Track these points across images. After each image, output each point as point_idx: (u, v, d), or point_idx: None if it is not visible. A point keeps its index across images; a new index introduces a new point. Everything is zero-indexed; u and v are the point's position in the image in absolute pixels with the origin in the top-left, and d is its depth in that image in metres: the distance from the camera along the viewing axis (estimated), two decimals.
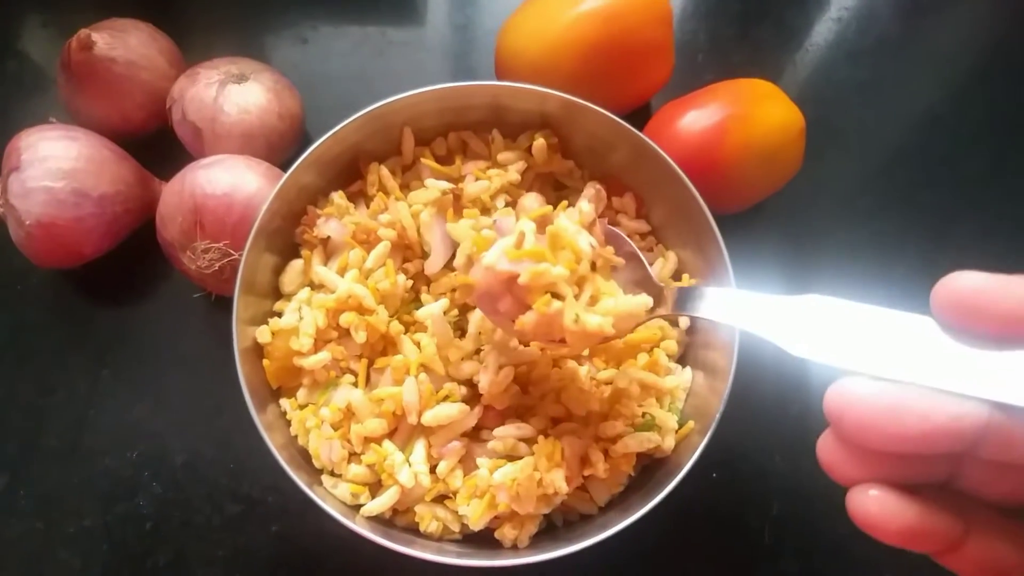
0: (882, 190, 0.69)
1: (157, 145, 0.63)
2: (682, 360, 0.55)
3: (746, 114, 0.58)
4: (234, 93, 0.59)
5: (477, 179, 0.53)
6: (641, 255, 0.49)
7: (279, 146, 0.61)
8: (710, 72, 0.66)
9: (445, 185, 0.52)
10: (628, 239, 0.50)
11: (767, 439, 0.60)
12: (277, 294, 0.54)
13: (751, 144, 0.57)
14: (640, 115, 0.64)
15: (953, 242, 0.67)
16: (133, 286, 0.63)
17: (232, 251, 0.54)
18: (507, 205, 0.53)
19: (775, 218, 0.66)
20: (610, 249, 0.45)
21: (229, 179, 0.54)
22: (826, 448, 0.31)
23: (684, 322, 0.54)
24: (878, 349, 0.31)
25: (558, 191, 0.59)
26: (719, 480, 0.58)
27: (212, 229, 0.54)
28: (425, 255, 0.53)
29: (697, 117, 0.59)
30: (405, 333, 0.51)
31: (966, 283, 0.30)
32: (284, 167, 0.58)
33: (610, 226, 0.52)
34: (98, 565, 0.57)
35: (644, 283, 0.48)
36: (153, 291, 0.63)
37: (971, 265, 0.63)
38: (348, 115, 0.51)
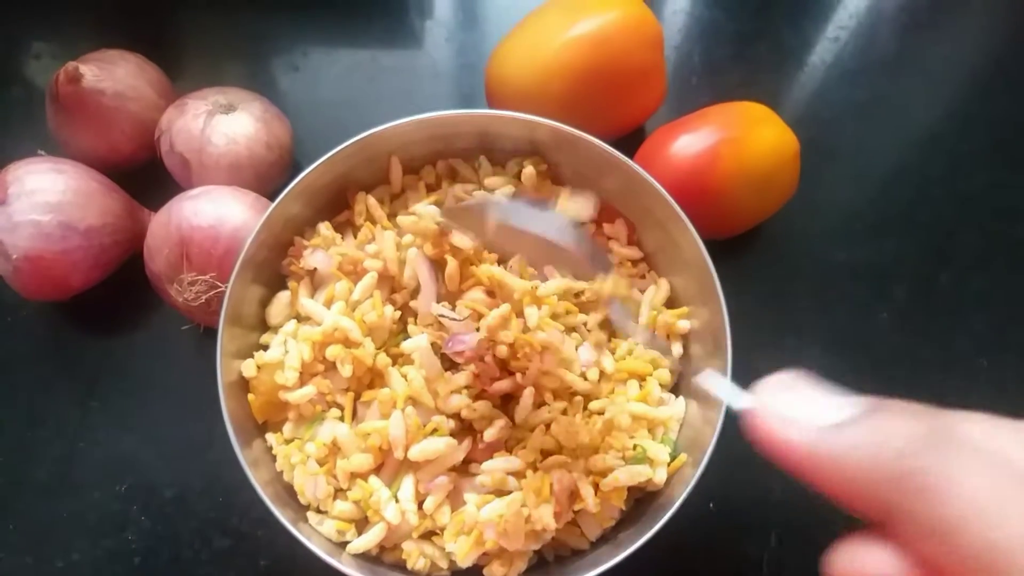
0: (880, 210, 0.68)
1: (147, 176, 0.63)
2: (675, 390, 0.54)
3: (739, 138, 0.57)
4: (222, 123, 0.59)
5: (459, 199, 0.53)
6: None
7: (268, 176, 0.60)
8: (705, 94, 0.65)
9: (435, 211, 0.51)
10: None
11: (766, 468, 0.58)
12: (264, 326, 0.53)
13: (744, 169, 0.57)
14: (634, 139, 0.64)
15: (953, 262, 0.66)
16: (122, 318, 0.62)
17: (219, 283, 0.53)
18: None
19: (771, 241, 0.65)
20: None
21: (215, 211, 0.54)
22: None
23: (677, 350, 0.53)
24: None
25: None
26: (717, 511, 0.57)
27: (198, 261, 0.53)
28: (409, 287, 0.52)
29: (689, 142, 0.58)
30: (393, 365, 0.50)
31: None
32: (273, 197, 0.57)
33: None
34: None
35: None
36: (143, 323, 0.62)
37: (972, 284, 0.63)
38: (339, 143, 0.51)
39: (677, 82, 0.69)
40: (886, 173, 0.69)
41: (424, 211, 0.51)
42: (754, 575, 0.57)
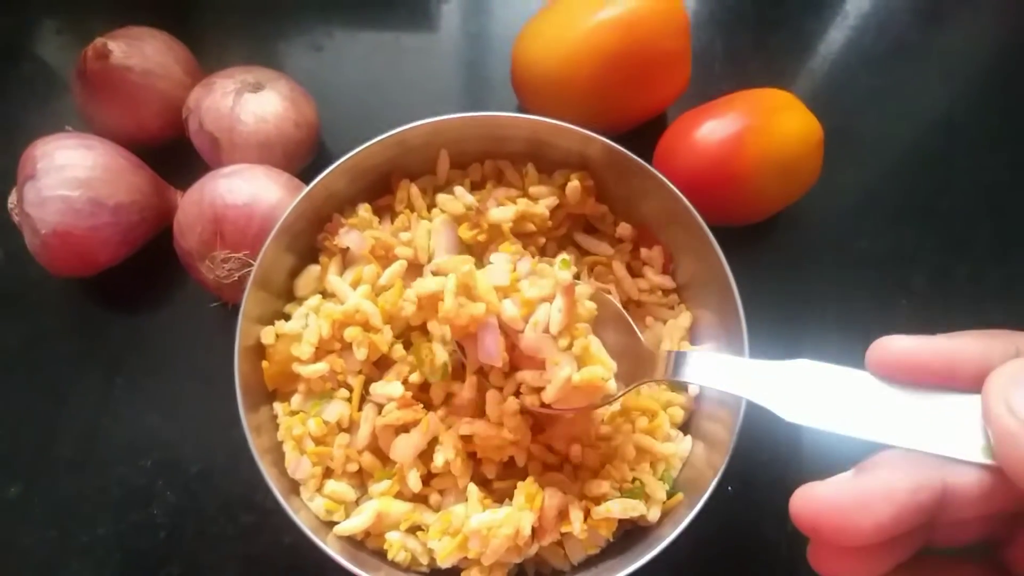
0: (899, 200, 0.68)
1: (172, 154, 0.63)
2: (685, 428, 0.54)
3: (764, 125, 0.57)
4: (251, 102, 0.59)
5: (501, 205, 0.53)
6: (630, 320, 0.49)
7: (296, 155, 0.61)
8: (726, 81, 0.65)
9: (471, 200, 0.52)
10: (617, 303, 0.51)
11: (783, 450, 0.59)
12: (290, 296, 0.54)
13: (769, 155, 0.57)
14: (655, 125, 0.64)
15: (972, 251, 0.67)
16: (148, 295, 0.63)
17: (251, 261, 0.53)
18: (537, 252, 0.54)
19: (792, 228, 0.65)
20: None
21: (250, 189, 0.54)
22: (818, 559, 0.33)
23: (694, 389, 0.53)
24: (862, 415, 0.34)
25: (589, 234, 0.58)
26: (735, 494, 0.58)
27: (232, 239, 0.54)
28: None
29: (714, 128, 0.58)
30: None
31: (895, 347, 0.34)
32: (300, 176, 0.58)
33: (601, 289, 0.53)
34: (111, 575, 0.57)
35: (634, 348, 0.48)
36: (168, 300, 0.63)
37: (991, 274, 0.63)
38: (362, 123, 0.51)
39: (699, 69, 0.69)
40: (907, 161, 0.70)
41: (462, 193, 0.52)
42: (774, 557, 0.58)
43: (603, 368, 0.44)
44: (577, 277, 0.52)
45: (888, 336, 0.34)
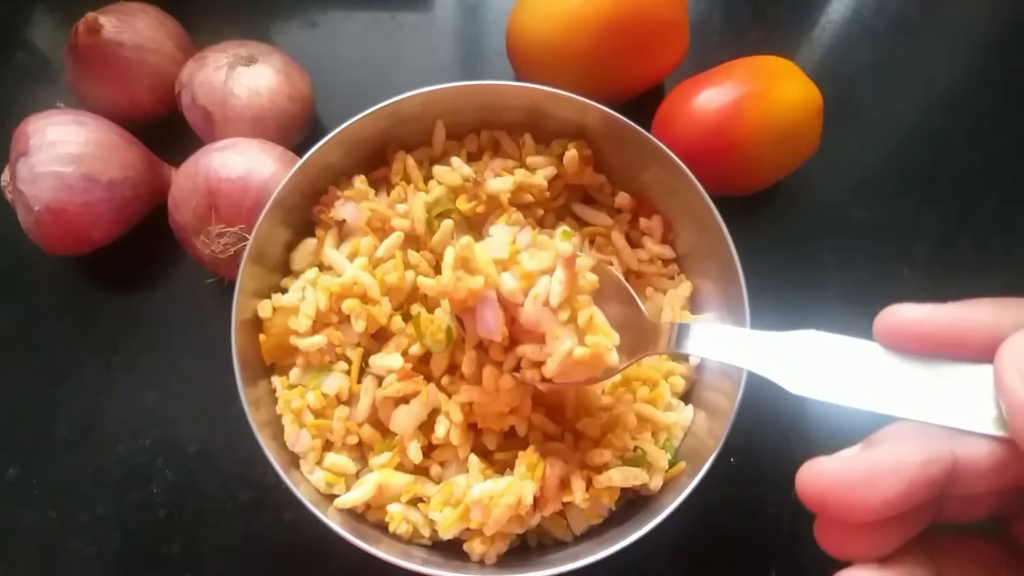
0: (900, 170, 0.68)
1: (165, 130, 0.63)
2: (686, 398, 0.53)
3: (763, 92, 0.57)
4: (244, 76, 0.58)
5: (498, 175, 0.53)
6: (632, 292, 0.48)
7: (290, 129, 0.60)
8: (725, 51, 0.65)
9: (468, 171, 0.51)
10: (619, 275, 0.50)
11: (787, 423, 0.59)
12: (286, 270, 0.53)
13: (768, 123, 0.56)
14: (653, 96, 0.63)
15: (972, 222, 0.66)
16: (144, 272, 0.62)
17: (247, 235, 0.53)
18: (535, 224, 0.53)
19: (792, 198, 0.65)
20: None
21: (244, 163, 0.54)
22: (825, 535, 0.32)
23: (695, 359, 0.53)
24: (869, 387, 0.33)
25: (587, 205, 0.58)
26: (737, 465, 0.57)
27: (227, 213, 0.53)
28: (432, 250, 0.52)
29: (713, 95, 0.58)
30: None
31: (904, 315, 0.32)
32: (295, 151, 0.57)
33: (603, 261, 0.52)
34: (111, 553, 0.57)
35: (637, 320, 0.47)
36: (164, 277, 0.62)
37: (992, 243, 0.63)
38: (358, 99, 0.50)
39: (697, 40, 0.68)
40: (907, 132, 0.69)
41: (459, 164, 0.51)
42: (775, 529, 0.58)
43: (606, 337, 0.43)
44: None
45: (896, 304, 0.33)
